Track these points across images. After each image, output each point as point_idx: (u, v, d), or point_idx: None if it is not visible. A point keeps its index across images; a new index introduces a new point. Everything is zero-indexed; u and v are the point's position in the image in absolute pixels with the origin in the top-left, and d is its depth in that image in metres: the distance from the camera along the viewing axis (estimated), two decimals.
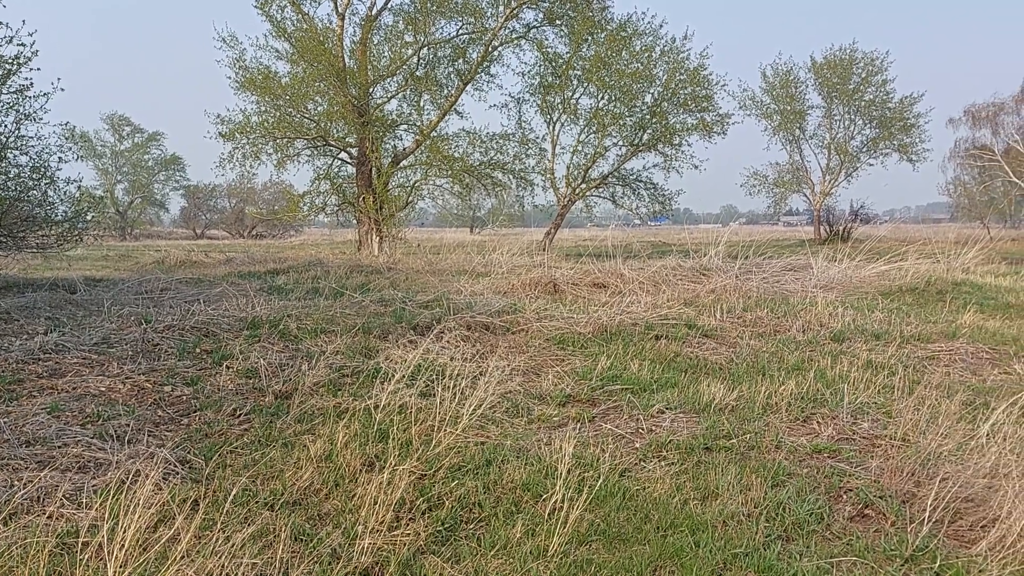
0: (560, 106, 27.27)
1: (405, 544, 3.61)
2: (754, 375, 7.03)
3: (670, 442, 5.17)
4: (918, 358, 7.97)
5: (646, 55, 25.77)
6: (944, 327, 9.43)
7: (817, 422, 5.75)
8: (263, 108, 23.67)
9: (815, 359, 7.73)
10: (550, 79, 26.69)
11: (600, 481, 4.35)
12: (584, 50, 25.92)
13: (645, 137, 26.97)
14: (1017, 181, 41.53)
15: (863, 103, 40.92)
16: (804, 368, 7.31)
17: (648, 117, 26.53)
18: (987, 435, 4.73)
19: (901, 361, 7.67)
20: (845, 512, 4.13)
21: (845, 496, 4.34)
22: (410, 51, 24.20)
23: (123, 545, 3.22)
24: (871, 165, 42.66)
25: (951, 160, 45.95)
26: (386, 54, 24.83)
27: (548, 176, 27.86)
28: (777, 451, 5.08)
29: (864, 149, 42.22)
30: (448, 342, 7.97)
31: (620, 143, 27.45)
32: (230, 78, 23.65)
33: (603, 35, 25.45)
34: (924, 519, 3.79)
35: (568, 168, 27.73)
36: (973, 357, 8.10)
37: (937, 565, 3.51)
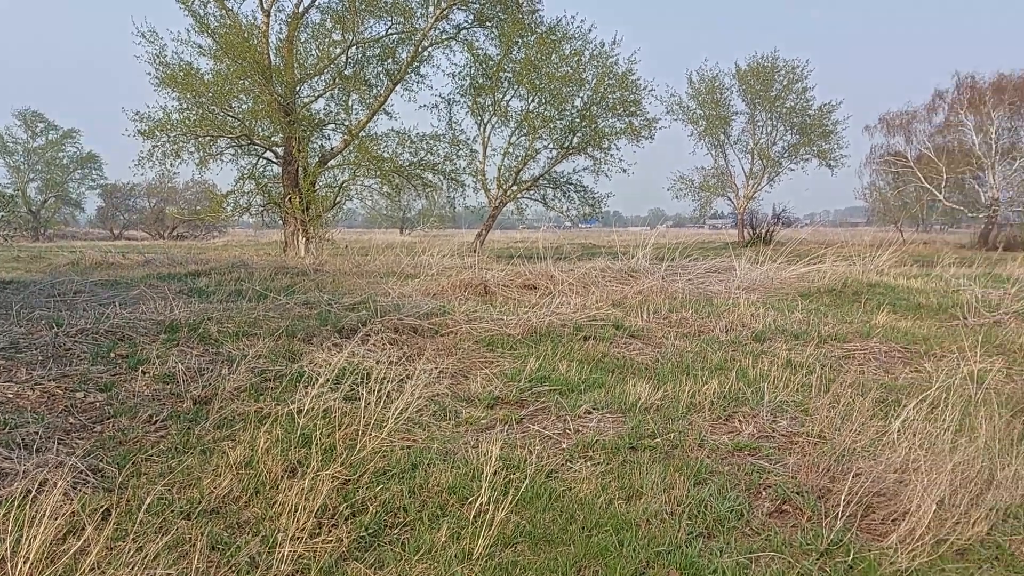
0: (491, 108, 27.32)
1: (327, 551, 3.54)
2: (679, 375, 7.15)
3: (596, 442, 5.21)
4: (835, 357, 8.22)
5: (575, 59, 26.03)
6: (859, 327, 9.75)
7: (739, 420, 5.87)
8: (185, 105, 23.01)
9: (737, 359, 7.91)
10: (481, 80, 26.70)
11: (526, 483, 4.36)
12: (515, 52, 26.03)
13: (575, 140, 27.23)
14: (928, 187, 43.30)
15: (784, 110, 42.16)
16: (727, 368, 7.47)
17: (578, 120, 26.79)
18: (898, 431, 4.90)
19: (819, 360, 7.91)
20: (764, 508, 4.22)
21: (764, 492, 4.44)
22: (338, 50, 23.88)
23: (27, 559, 3.08)
24: (792, 170, 44.03)
25: (867, 166, 47.72)
26: (313, 52, 24.47)
27: (479, 177, 27.90)
28: (700, 449, 5.17)
29: (785, 154, 43.52)
30: (375, 345, 7.88)
31: (551, 146, 27.68)
32: (150, 74, 22.93)
33: (533, 38, 25.60)
34: (838, 514, 3.91)
35: (499, 170, 27.82)
36: (886, 356, 8.40)
37: (851, 558, 3.62)
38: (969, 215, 44.93)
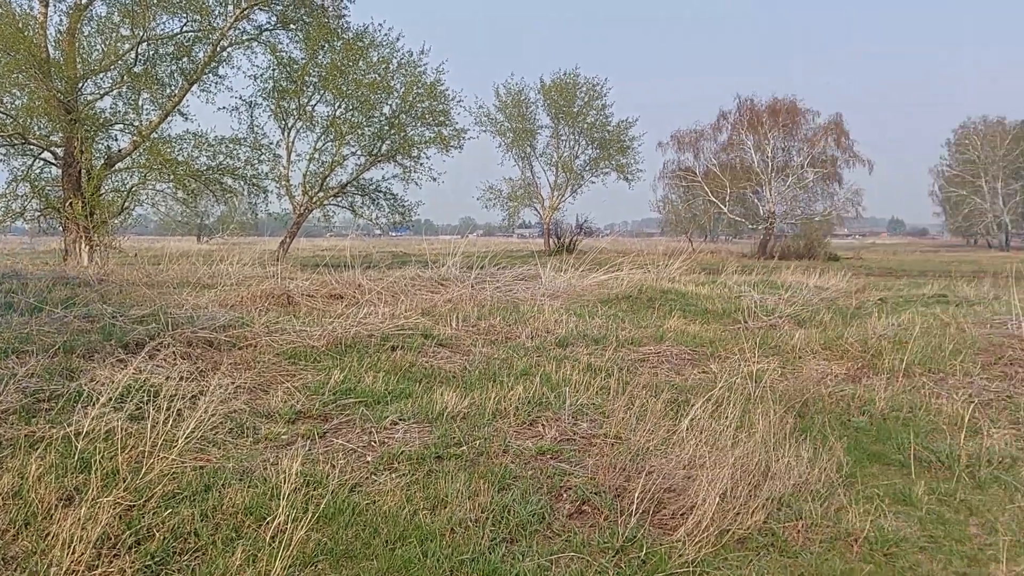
0: (296, 112, 26.49)
1: None
2: (486, 382, 7.23)
3: (402, 453, 5.15)
4: (631, 360, 8.65)
5: (383, 66, 25.83)
6: (653, 331, 10.33)
7: (542, 424, 6.02)
8: None
9: (542, 364, 8.12)
10: (285, 84, 25.82)
11: (328, 498, 4.22)
12: (321, 57, 25.43)
13: (384, 147, 26.97)
14: (715, 200, 46.82)
15: (586, 125, 44.12)
16: (532, 373, 7.64)
17: (387, 128, 26.57)
18: (687, 429, 5.21)
19: (617, 364, 8.27)
20: (565, 510, 4.34)
21: (565, 494, 4.56)
22: (127, 45, 22.16)
23: None
24: (593, 182, 46.16)
25: (661, 180, 51.00)
26: (99, 47, 22.56)
27: (283, 183, 26.96)
28: (505, 455, 5.24)
29: (587, 167, 45.58)
30: (165, 360, 7.36)
31: (359, 152, 27.22)
32: None
33: (340, 43, 25.11)
34: (632, 511, 4.09)
35: (305, 176, 27.02)
36: (677, 358, 8.95)
37: (643, 553, 3.79)
38: (750, 226, 49.01)
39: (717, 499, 4.11)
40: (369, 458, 5.17)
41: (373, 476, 4.81)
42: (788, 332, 10.64)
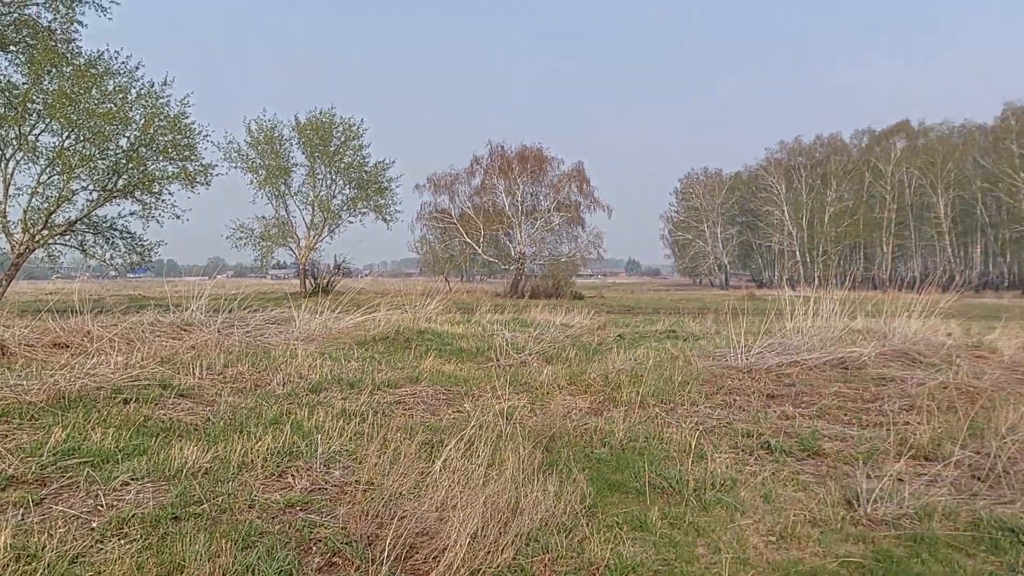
0: (15, 142, 23.82)
1: None
2: (231, 433, 6.83)
3: (134, 516, 4.71)
4: (387, 403, 8.58)
5: (120, 96, 23.98)
6: (409, 372, 10.35)
7: (292, 475, 5.78)
8: None
9: (293, 411, 7.83)
10: (2, 111, 23.17)
11: (42, 574, 3.75)
12: (47, 83, 23.14)
13: (120, 183, 24.93)
14: (469, 241, 48.27)
15: (343, 165, 43.78)
16: (282, 421, 7.34)
17: (124, 162, 24.62)
18: (440, 470, 5.24)
19: (372, 407, 8.18)
20: (314, 563, 4.18)
21: (315, 547, 4.40)
22: None
23: None
24: (351, 222, 45.80)
25: (418, 221, 51.84)
26: None
27: (0, 221, 24.04)
28: (251, 510, 4.96)
29: (345, 207, 45.12)
30: None
31: (91, 187, 24.91)
32: None
33: (69, 69, 23.04)
34: (384, 559, 4.02)
35: (26, 212, 24.23)
36: (432, 398, 9.02)
37: None
38: (503, 267, 51.02)
39: (468, 539, 4.16)
40: (95, 524, 4.67)
41: (99, 544, 4.34)
42: (537, 369, 11.11)
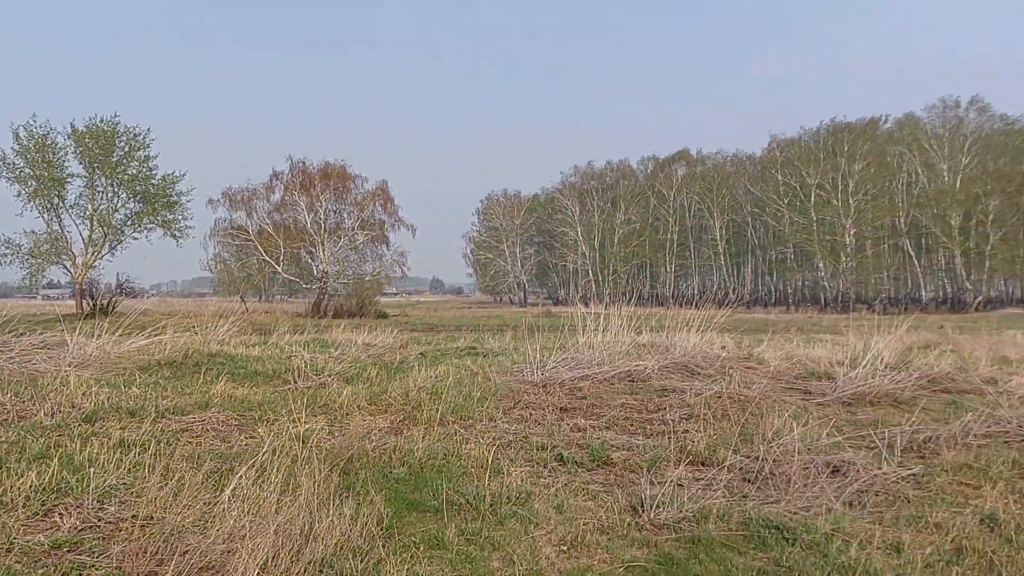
0: None
1: None
2: None
3: None
4: (172, 431, 8.05)
5: None
6: (199, 398, 9.77)
7: (59, 514, 5.28)
8: None
9: (63, 443, 7.16)
10: None
11: None
12: None
13: None
14: (268, 260, 46.59)
15: (127, 176, 40.90)
16: (49, 455, 6.68)
17: None
18: (228, 500, 4.99)
19: (155, 436, 7.64)
20: None
21: None
22: None
23: None
24: (136, 239, 42.80)
25: (212, 238, 49.27)
26: None
27: None
28: (8, 554, 4.49)
29: (128, 222, 42.15)
30: None
31: None
32: None
33: None
34: None
35: None
36: (223, 425, 8.57)
37: None
38: (305, 286, 49.65)
39: (257, 570, 3.99)
40: None
41: None
42: (337, 390, 10.87)
